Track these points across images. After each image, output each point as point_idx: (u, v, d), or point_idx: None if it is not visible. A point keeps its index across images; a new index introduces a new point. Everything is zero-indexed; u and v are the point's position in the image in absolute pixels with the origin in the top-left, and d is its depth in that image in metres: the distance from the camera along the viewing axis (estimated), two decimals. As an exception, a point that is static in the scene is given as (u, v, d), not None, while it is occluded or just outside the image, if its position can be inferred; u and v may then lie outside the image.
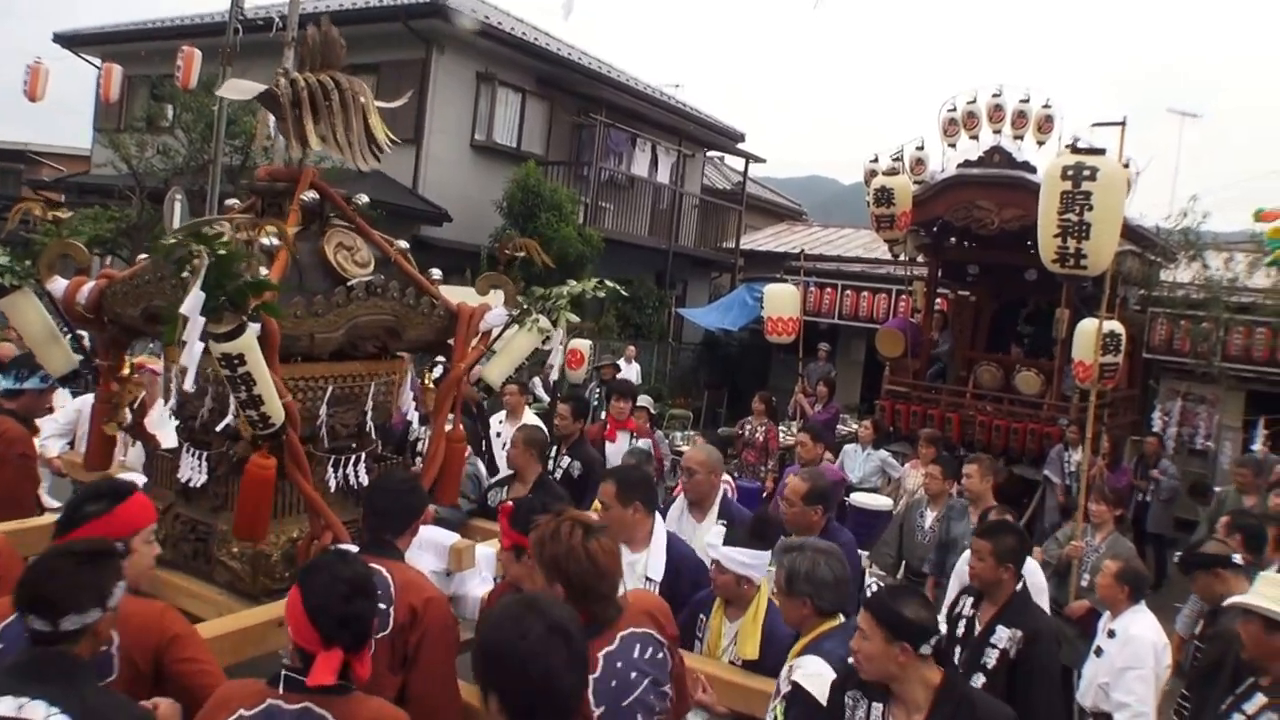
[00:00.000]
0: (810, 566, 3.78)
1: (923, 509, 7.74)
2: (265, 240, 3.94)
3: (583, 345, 14.74)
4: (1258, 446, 13.21)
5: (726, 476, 6.99)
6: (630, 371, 16.71)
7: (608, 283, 4.68)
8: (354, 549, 3.87)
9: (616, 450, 8.31)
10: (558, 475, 7.15)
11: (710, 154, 26.90)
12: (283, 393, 3.73)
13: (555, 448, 7.37)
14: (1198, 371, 14.44)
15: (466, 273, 15.64)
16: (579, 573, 3.16)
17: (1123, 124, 7.71)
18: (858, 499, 8.75)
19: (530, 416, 8.56)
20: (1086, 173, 7.61)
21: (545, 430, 7.28)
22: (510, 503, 4.03)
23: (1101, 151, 7.70)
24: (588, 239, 17.73)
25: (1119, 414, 13.63)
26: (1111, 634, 5.40)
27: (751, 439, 11.37)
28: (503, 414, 8.68)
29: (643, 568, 4.65)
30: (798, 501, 5.23)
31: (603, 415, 7.72)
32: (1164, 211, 25.02)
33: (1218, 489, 10.70)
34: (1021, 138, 12.35)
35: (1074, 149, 7.92)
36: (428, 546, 4.39)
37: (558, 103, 20.12)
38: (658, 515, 4.82)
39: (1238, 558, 4.98)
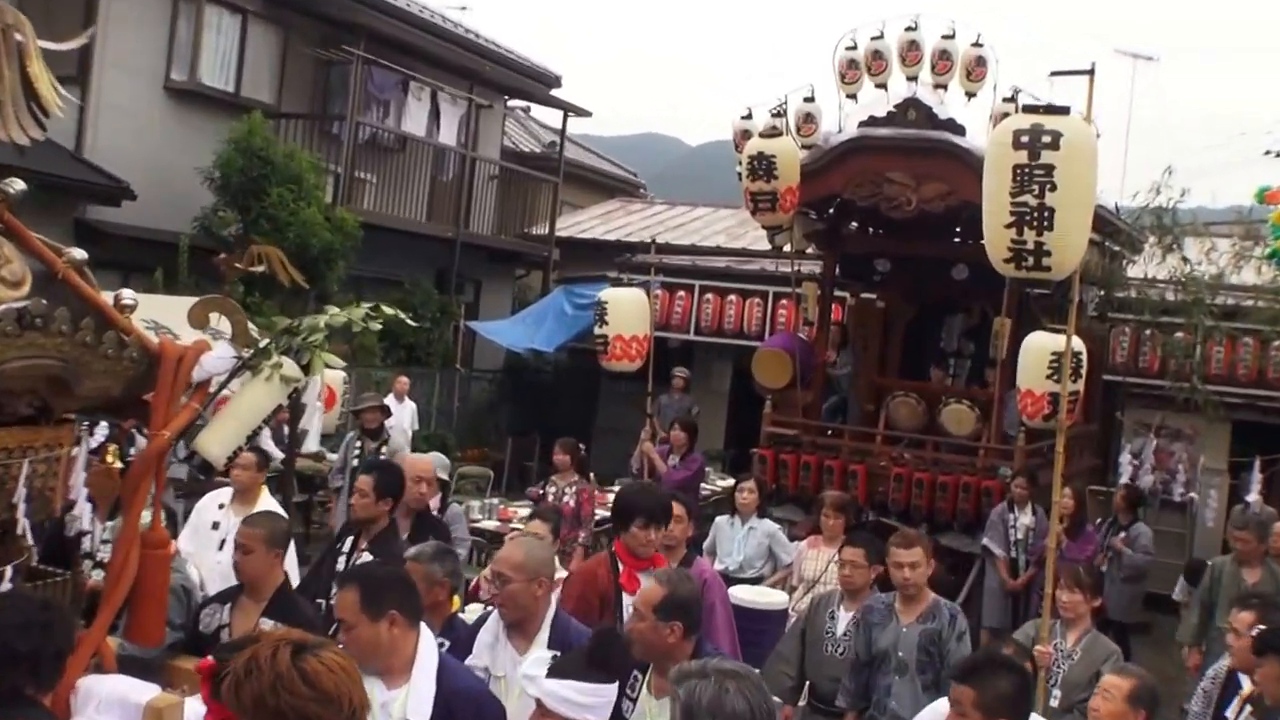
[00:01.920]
0: (715, 695, 3.66)
1: (833, 608, 7.65)
2: None
3: (334, 378, 14.28)
4: (1253, 497, 13.76)
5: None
6: (402, 412, 16.34)
7: (386, 309, 4.43)
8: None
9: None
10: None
11: (513, 104, 26.72)
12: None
13: (352, 539, 7.10)
14: (1179, 398, 14.97)
15: (157, 275, 14.99)
16: (298, 707, 2.99)
17: (1090, 73, 7.81)
18: (740, 596, 8.61)
19: (266, 500, 8.17)
20: (1046, 139, 7.68)
21: (286, 516, 6.95)
22: (212, 658, 3.73)
23: (1065, 110, 7.81)
24: (340, 224, 17.39)
25: (1076, 457, 13.98)
26: None
27: (558, 503, 11.21)
28: (224, 495, 8.27)
29: (401, 708, 4.47)
30: (648, 614, 5.07)
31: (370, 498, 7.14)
32: (1114, 183, 26.05)
33: (1211, 561, 11.04)
34: (945, 86, 12.59)
35: (1029, 107, 8.01)
36: (110, 706, 4.16)
37: (296, 30, 19.63)
38: (425, 630, 4.67)
39: None
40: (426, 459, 8.69)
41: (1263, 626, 6.28)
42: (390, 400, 15.96)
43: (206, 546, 7.93)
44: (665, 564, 6.45)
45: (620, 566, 6.36)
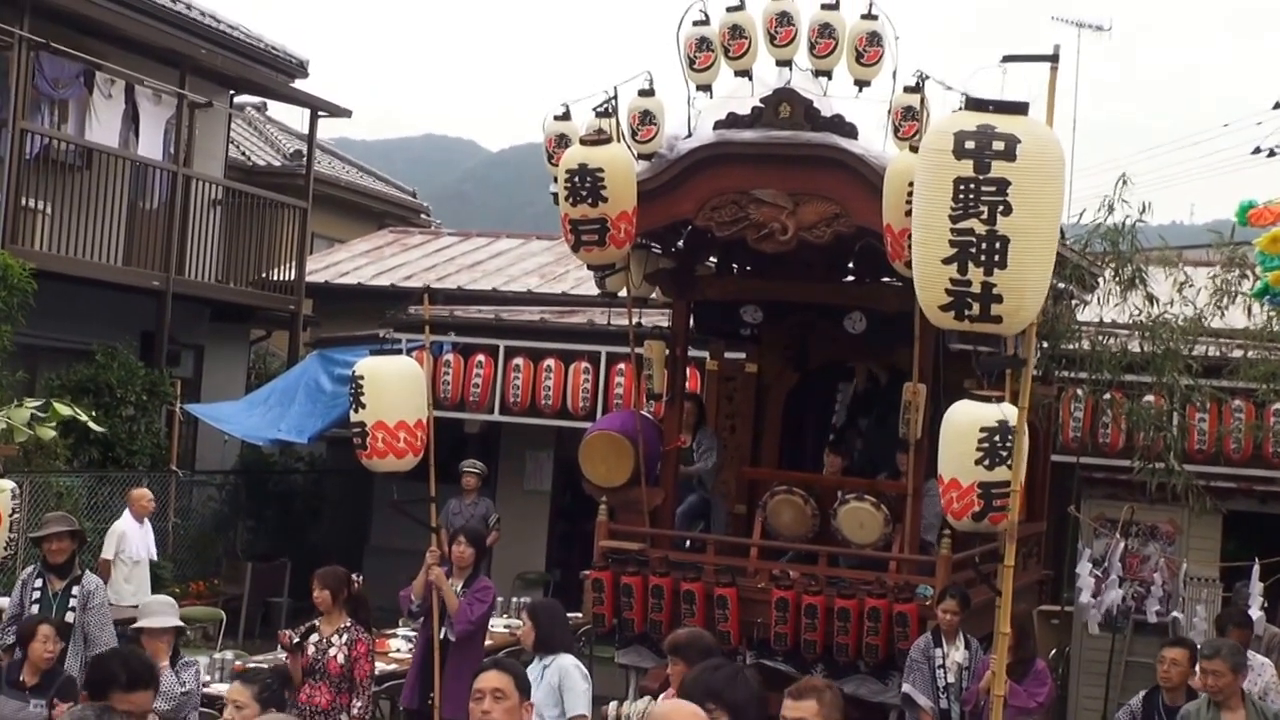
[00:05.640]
0: None
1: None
2: None
3: (-3, 495, 13.87)
4: (1255, 612, 14.03)
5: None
6: (143, 538, 16.02)
7: (60, 407, 4.32)
8: None
9: None
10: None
11: (242, 101, 26.47)
12: None
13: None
14: (1151, 484, 15.13)
15: None
16: None
17: (1054, 59, 7.90)
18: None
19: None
20: (999, 145, 7.64)
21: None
22: None
23: (1023, 109, 7.85)
24: (3, 273, 17.18)
25: (1019, 568, 14.13)
26: None
27: (321, 661, 11.13)
28: None
29: None
30: None
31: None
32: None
33: (1183, 709, 11.25)
34: (829, 73, 12.60)
35: (975, 102, 8.02)
36: None
37: (-72, 3, 19.28)
38: None
39: None
40: None
41: None
42: (125, 522, 15.92)
43: None
44: None
45: None
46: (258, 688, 8.23)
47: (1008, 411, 9.33)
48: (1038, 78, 8.39)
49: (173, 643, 10.64)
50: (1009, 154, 7.59)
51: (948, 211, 7.69)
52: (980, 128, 7.69)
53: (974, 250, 7.67)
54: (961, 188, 7.64)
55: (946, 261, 7.73)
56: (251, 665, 9.51)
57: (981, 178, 7.62)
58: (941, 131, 7.88)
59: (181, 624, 10.59)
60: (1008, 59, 8.64)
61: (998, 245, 7.64)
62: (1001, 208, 7.60)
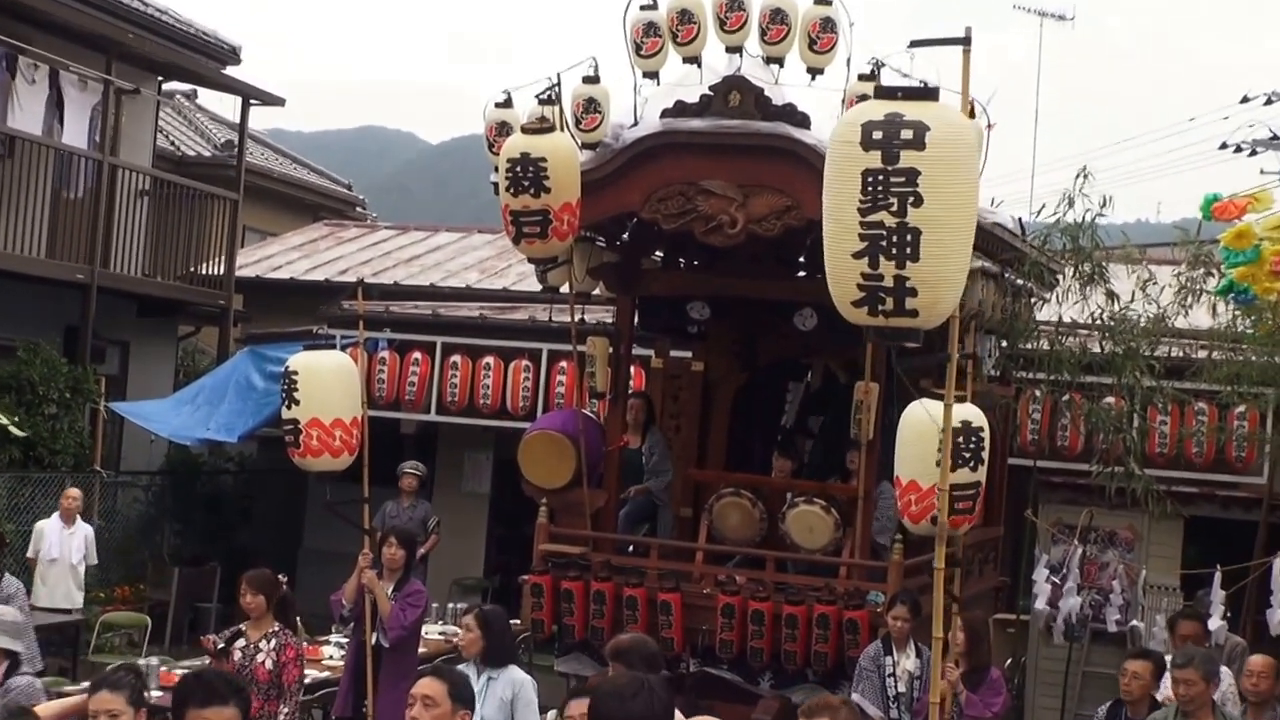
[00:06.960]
0: None
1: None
2: None
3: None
4: (1215, 622, 14.00)
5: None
6: (69, 542, 15.99)
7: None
8: None
9: None
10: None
11: (171, 88, 26.29)
12: None
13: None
14: (1110, 489, 15.13)
15: None
16: None
17: (965, 42, 7.85)
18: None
19: None
20: (907, 134, 7.66)
21: None
22: None
23: (933, 94, 7.83)
24: (-83, 266, 16.87)
25: (975, 575, 14.04)
26: None
27: (248, 668, 11.02)
28: None
29: None
30: None
31: None
32: (1021, 194, 26.61)
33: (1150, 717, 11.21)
34: (780, 60, 12.57)
35: (884, 90, 8.01)
36: None
37: None
38: None
39: None
40: None
41: None
42: (49, 521, 16.15)
43: None
44: None
45: None
46: (129, 691, 7.67)
47: (970, 412, 9.26)
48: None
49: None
50: (918, 143, 7.59)
51: (856, 205, 7.70)
52: (888, 116, 7.68)
53: (884, 244, 7.67)
54: (870, 179, 7.66)
55: (857, 256, 7.75)
56: (111, 668, 8.96)
57: (890, 169, 7.63)
58: (849, 123, 7.88)
59: (12, 649, 10.17)
60: (915, 43, 8.62)
61: (909, 238, 7.64)
62: (912, 199, 7.60)
